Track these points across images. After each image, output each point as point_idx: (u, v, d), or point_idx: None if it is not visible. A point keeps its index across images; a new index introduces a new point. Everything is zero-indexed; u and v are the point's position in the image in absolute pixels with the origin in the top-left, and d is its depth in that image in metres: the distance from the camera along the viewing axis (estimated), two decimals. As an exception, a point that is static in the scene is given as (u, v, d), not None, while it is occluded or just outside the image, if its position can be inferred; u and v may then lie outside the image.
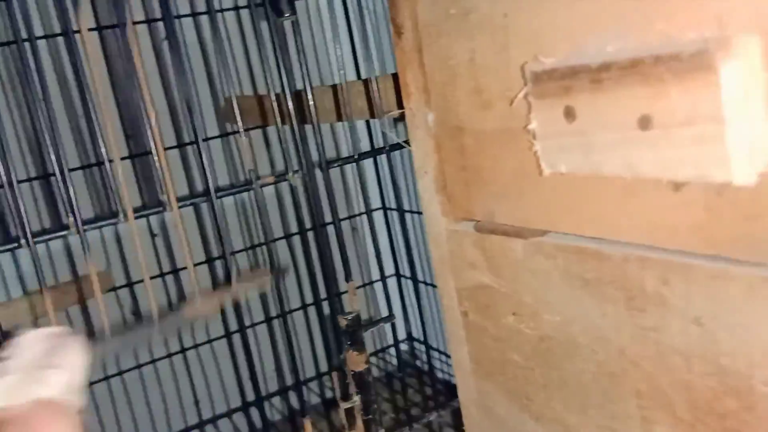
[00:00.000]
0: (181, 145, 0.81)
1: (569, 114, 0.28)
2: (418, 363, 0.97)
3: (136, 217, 0.47)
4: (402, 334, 0.95)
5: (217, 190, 0.49)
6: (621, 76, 0.25)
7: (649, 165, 0.25)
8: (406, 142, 0.42)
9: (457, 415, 0.47)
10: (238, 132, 0.49)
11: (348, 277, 0.49)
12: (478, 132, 0.37)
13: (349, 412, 0.44)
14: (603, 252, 0.31)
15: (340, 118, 0.51)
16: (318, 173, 0.47)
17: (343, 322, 0.44)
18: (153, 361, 0.82)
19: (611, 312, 0.32)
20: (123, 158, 0.78)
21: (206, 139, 0.80)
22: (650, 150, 0.24)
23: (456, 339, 0.45)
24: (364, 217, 0.89)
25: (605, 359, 0.32)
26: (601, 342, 0.33)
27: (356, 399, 0.44)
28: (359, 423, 0.44)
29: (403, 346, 0.96)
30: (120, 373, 0.81)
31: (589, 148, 0.28)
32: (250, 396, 0.85)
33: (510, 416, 0.41)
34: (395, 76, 0.43)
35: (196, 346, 0.84)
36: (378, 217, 0.89)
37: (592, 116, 0.27)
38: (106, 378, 0.80)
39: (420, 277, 0.83)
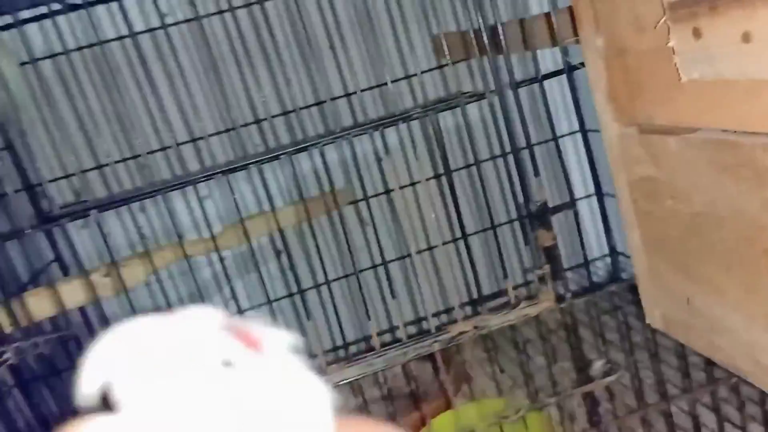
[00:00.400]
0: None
1: (696, 33, 0.36)
2: (623, 275, 1.04)
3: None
4: (605, 249, 1.02)
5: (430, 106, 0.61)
6: (728, 2, 0.32)
7: (755, 69, 0.33)
8: (582, 64, 0.51)
9: (634, 291, 0.57)
10: (447, 65, 0.61)
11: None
12: (636, 52, 0.45)
13: (541, 279, 0.56)
14: (737, 141, 0.39)
15: (527, 48, 0.60)
16: (510, 95, 0.57)
17: (533, 207, 0.55)
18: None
19: (745, 189, 0.39)
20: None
21: (424, 72, 0.93)
22: (753, 58, 0.32)
23: (630, 224, 0.54)
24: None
25: (742, 227, 0.41)
26: (738, 214, 0.41)
27: (547, 267, 0.55)
28: (549, 288, 0.55)
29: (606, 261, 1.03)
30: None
31: (712, 59, 0.36)
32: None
33: (673, 281, 0.50)
34: (570, 9, 0.51)
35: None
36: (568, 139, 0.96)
37: (712, 34, 0.35)
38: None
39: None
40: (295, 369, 0.14)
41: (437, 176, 0.80)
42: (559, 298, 0.58)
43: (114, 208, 0.60)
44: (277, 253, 1.02)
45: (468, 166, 0.93)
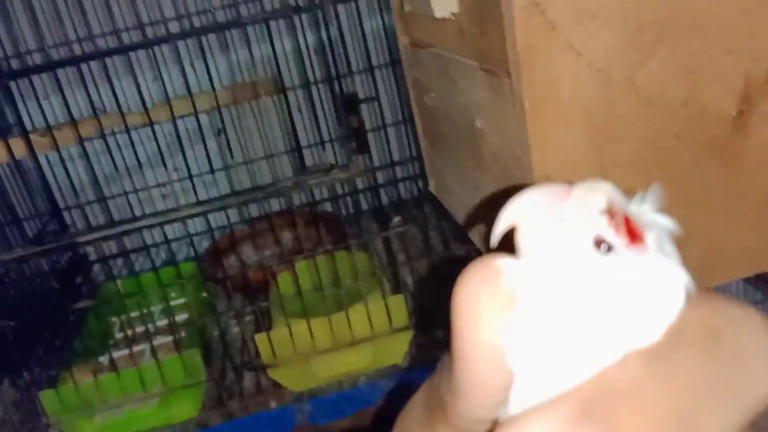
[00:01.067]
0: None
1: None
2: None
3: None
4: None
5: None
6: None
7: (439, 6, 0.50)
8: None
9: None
10: None
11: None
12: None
13: (351, 152, 0.74)
14: (442, 54, 0.56)
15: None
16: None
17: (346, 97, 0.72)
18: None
19: (451, 89, 0.57)
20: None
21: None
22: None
23: (415, 114, 0.72)
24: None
25: (456, 116, 0.59)
26: (453, 105, 0.59)
27: (354, 144, 0.73)
28: (358, 159, 0.73)
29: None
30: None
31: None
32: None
33: (435, 157, 0.69)
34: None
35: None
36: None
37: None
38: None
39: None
40: (663, 266, 0.14)
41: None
42: (366, 167, 0.76)
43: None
44: (218, 131, 1.16)
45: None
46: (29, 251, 0.74)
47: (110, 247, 1.11)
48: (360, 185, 0.89)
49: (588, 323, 0.13)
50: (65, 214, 1.15)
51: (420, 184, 0.83)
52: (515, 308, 0.14)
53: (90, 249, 1.09)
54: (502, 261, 0.14)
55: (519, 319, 0.14)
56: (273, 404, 0.90)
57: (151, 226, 0.74)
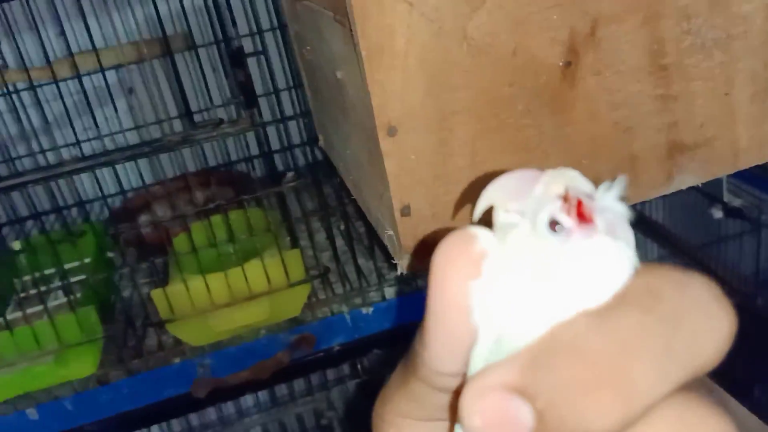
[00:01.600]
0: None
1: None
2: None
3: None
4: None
5: None
6: None
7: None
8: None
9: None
10: None
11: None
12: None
13: (239, 106, 0.74)
14: (313, 7, 0.58)
15: None
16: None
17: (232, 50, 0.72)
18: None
19: (325, 40, 0.59)
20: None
21: None
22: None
23: (299, 66, 0.73)
24: None
25: (327, 71, 0.60)
26: (326, 59, 0.60)
27: (242, 98, 0.74)
28: (245, 114, 0.74)
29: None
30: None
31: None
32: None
33: (317, 111, 0.71)
34: None
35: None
36: None
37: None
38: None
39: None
40: (608, 245, 0.15)
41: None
42: (253, 122, 0.77)
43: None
44: (128, 90, 1.13)
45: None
46: None
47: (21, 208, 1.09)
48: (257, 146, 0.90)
49: (541, 291, 0.15)
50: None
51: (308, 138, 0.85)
52: (483, 271, 0.16)
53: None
54: (478, 230, 0.16)
55: (485, 280, 0.16)
56: (174, 360, 0.91)
57: (34, 182, 0.73)
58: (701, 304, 0.15)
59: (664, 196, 1.18)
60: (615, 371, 0.14)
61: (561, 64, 0.45)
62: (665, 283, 0.16)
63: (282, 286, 0.85)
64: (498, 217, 0.17)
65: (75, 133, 0.91)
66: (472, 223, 0.17)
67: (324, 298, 0.91)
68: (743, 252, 1.21)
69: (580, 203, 0.16)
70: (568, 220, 0.16)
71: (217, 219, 0.84)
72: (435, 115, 0.45)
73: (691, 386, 0.15)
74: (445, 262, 0.16)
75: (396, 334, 0.97)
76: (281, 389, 1.02)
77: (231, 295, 0.85)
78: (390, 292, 0.95)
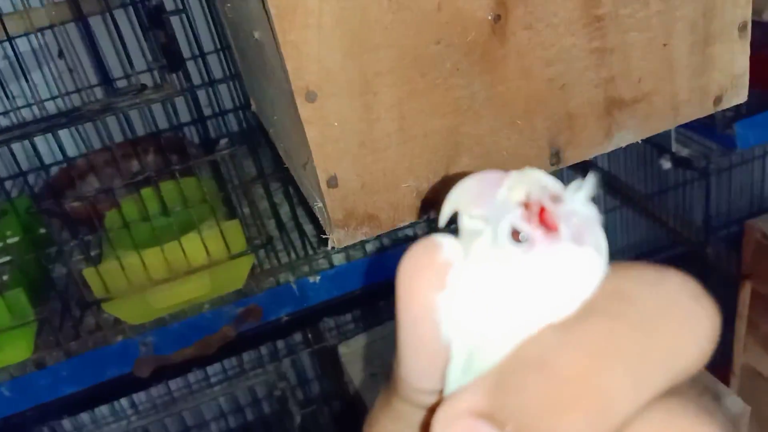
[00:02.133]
0: None
1: None
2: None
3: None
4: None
5: None
6: None
7: None
8: None
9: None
10: None
11: None
12: None
13: (162, 69, 0.69)
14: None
15: None
16: None
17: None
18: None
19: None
20: None
21: None
22: None
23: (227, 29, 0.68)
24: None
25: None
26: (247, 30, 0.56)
27: (164, 60, 0.68)
28: (170, 79, 0.69)
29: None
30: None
31: None
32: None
33: (248, 80, 0.66)
34: None
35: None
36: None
37: None
38: None
39: None
40: (573, 253, 0.15)
41: None
42: (181, 87, 0.72)
43: None
44: (59, 53, 1.05)
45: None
46: None
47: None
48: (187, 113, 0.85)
49: (506, 305, 0.15)
50: None
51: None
52: (448, 282, 0.15)
53: None
54: (443, 238, 0.16)
55: (450, 293, 0.15)
56: (114, 339, 0.87)
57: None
58: (678, 303, 0.14)
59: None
60: (585, 387, 0.13)
61: (490, 18, 0.42)
62: (637, 285, 0.15)
63: (223, 258, 0.82)
64: (462, 223, 0.16)
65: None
66: (438, 230, 0.16)
67: (269, 268, 0.88)
68: (692, 201, 1.21)
69: (542, 210, 0.15)
70: (529, 229, 0.15)
71: (149, 192, 0.80)
72: (357, 77, 0.42)
73: (681, 389, 0.14)
74: (409, 274, 0.16)
75: (346, 301, 0.95)
76: (231, 363, 1.00)
77: (169, 271, 0.81)
78: (338, 258, 0.93)
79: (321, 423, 1.05)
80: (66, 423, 1.02)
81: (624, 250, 1.35)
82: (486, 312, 0.15)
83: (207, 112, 0.84)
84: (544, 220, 0.15)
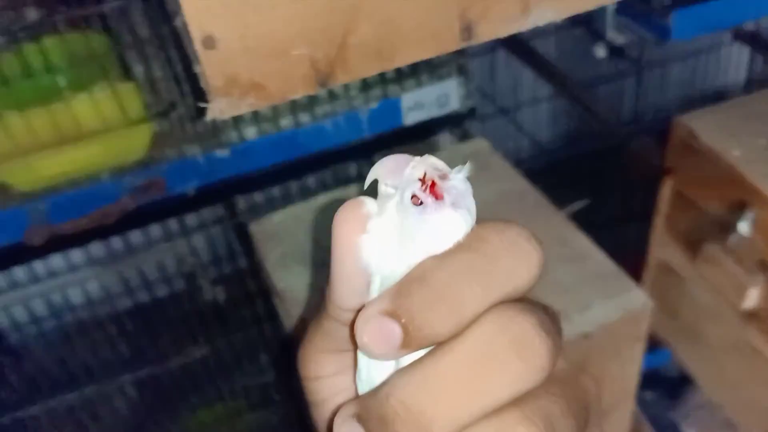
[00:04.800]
0: None
1: None
2: None
3: None
4: None
5: None
6: None
7: None
8: None
9: None
10: None
11: None
12: None
13: None
14: None
15: None
16: None
17: None
18: None
19: None
20: None
21: None
22: None
23: None
24: None
25: None
26: None
27: None
28: None
29: None
30: None
31: None
32: None
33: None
34: None
35: None
36: None
37: None
38: None
39: None
40: (451, 213, 0.21)
41: None
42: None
43: None
44: None
45: None
46: None
47: None
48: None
49: (406, 246, 0.21)
50: None
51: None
52: (368, 229, 0.21)
53: None
54: (366, 199, 0.22)
55: (369, 236, 0.21)
56: (2, 206, 0.81)
57: None
58: (516, 243, 0.21)
59: (553, 30, 1.12)
60: (448, 292, 0.20)
61: None
62: (490, 232, 0.21)
63: (118, 124, 0.75)
64: (380, 189, 0.22)
65: None
66: (363, 192, 0.22)
67: (173, 139, 0.82)
68: (624, 93, 1.19)
69: (433, 184, 0.21)
70: (424, 196, 0.21)
71: (32, 47, 0.71)
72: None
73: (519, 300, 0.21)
74: (340, 222, 0.22)
75: (259, 177, 0.91)
76: (137, 237, 0.95)
77: (58, 135, 0.74)
78: (251, 132, 0.87)
79: (232, 300, 1.03)
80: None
81: (554, 141, 1.34)
82: (393, 250, 0.21)
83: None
84: (434, 191, 0.21)
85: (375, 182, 0.22)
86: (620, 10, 0.90)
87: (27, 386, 1.02)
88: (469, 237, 0.21)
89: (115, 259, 0.97)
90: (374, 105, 0.88)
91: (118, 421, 1.08)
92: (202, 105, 0.43)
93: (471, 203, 0.22)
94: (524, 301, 0.21)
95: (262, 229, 0.87)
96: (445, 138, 0.94)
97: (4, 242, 0.83)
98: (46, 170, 0.77)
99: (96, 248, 0.96)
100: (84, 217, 0.82)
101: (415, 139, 0.92)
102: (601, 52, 0.96)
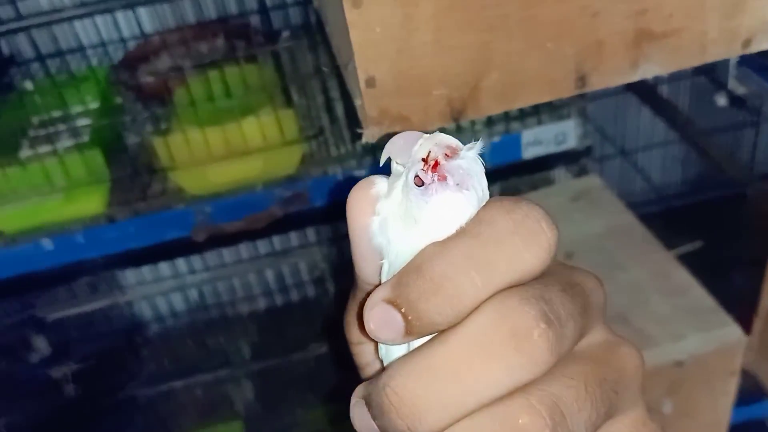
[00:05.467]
0: None
1: None
2: None
3: None
4: None
5: None
6: None
7: None
8: None
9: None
10: None
11: None
12: None
13: None
14: None
15: None
16: None
17: None
18: None
19: None
20: None
21: None
22: None
23: None
24: None
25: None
26: None
27: None
28: None
29: None
30: None
31: None
32: None
33: None
34: None
35: None
36: None
37: None
38: None
39: None
40: (454, 195, 0.20)
41: None
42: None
43: None
44: None
45: None
46: None
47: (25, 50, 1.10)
48: None
49: (410, 228, 0.21)
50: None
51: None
52: (377, 210, 0.22)
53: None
54: (376, 178, 0.22)
55: (379, 217, 0.22)
56: (176, 205, 0.97)
57: (38, 26, 0.75)
58: (524, 224, 0.20)
59: (673, 78, 1.15)
60: (445, 282, 0.20)
61: (530, -58, 0.45)
62: (497, 212, 0.21)
63: (276, 143, 0.89)
64: (393, 167, 0.22)
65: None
66: (378, 168, 0.23)
67: (319, 159, 0.95)
68: (742, 142, 1.20)
69: (436, 163, 0.20)
70: (427, 177, 0.20)
71: (215, 74, 0.86)
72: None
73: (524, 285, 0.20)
74: (351, 204, 0.22)
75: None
76: (279, 242, 1.09)
77: (228, 149, 0.88)
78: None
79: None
80: (129, 275, 1.14)
81: (669, 186, 1.36)
82: (398, 232, 0.21)
83: (271, 3, 0.88)
84: (437, 171, 0.20)
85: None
86: (742, 61, 0.93)
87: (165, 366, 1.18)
88: (474, 219, 0.21)
89: (257, 260, 1.12)
90: (497, 139, 0.97)
91: (245, 404, 1.22)
92: (359, 131, 0.54)
93: (480, 182, 0.21)
94: (535, 284, 0.20)
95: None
96: (560, 173, 1.01)
97: (175, 235, 0.99)
98: (214, 178, 0.92)
99: (244, 249, 1.11)
100: (239, 220, 0.96)
101: (532, 171, 1.00)
102: (722, 100, 1.00)
